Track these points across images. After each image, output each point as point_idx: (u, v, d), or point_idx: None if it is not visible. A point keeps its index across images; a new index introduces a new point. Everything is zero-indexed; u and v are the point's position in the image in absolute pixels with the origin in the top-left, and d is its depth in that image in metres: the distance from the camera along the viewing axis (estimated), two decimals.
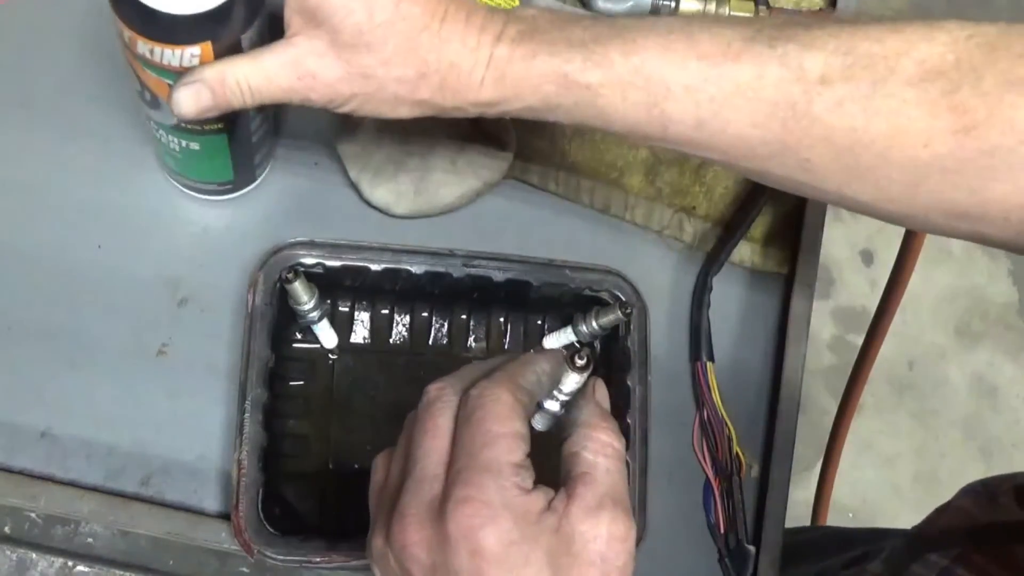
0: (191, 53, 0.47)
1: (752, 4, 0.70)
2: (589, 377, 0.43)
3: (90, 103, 0.64)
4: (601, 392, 0.44)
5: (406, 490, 0.40)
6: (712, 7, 0.70)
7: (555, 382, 0.43)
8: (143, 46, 0.47)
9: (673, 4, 0.70)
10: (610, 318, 0.61)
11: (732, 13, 0.70)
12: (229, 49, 0.48)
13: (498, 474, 0.38)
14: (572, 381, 0.42)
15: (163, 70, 0.48)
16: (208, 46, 0.47)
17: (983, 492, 0.63)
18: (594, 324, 0.61)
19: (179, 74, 0.48)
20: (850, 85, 0.44)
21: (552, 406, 0.43)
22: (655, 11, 0.70)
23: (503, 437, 0.39)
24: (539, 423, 0.44)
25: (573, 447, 0.41)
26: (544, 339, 0.64)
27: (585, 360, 0.41)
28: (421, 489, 0.39)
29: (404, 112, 0.50)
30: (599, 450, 0.40)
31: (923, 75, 0.44)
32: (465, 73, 0.48)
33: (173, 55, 0.47)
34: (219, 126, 0.54)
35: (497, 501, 0.37)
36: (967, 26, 0.44)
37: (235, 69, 0.48)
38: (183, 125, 0.53)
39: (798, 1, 0.76)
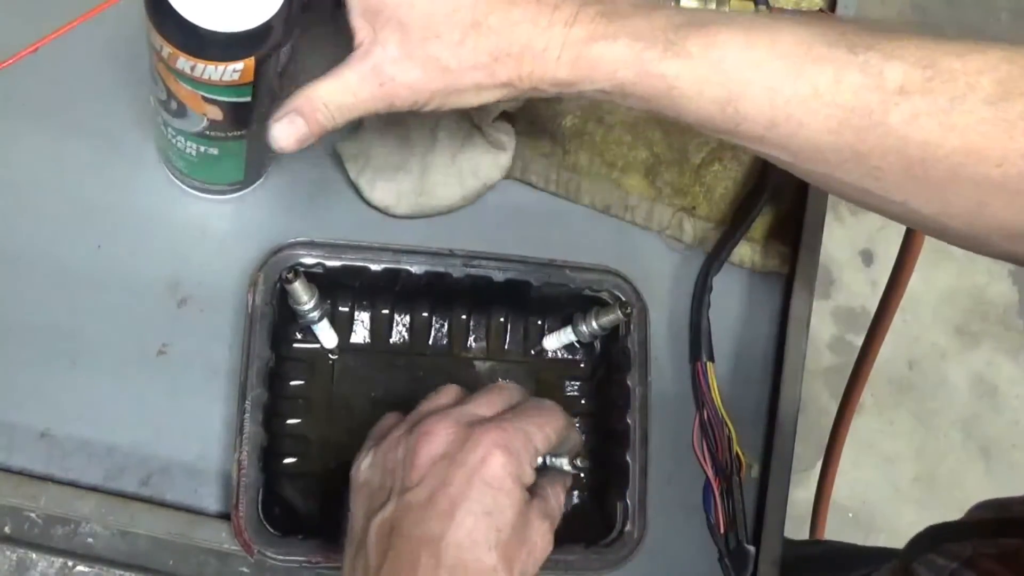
0: (233, 68, 0.48)
1: (752, 4, 0.70)
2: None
3: (90, 103, 0.64)
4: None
5: (452, 410, 0.48)
6: (712, 7, 0.70)
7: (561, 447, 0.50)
8: (184, 62, 0.47)
9: (672, 4, 0.70)
10: (610, 318, 0.61)
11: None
12: (269, 62, 0.49)
13: (529, 442, 0.46)
14: (563, 464, 0.50)
15: (201, 84, 0.49)
16: (251, 61, 0.48)
17: (995, 506, 0.63)
18: (594, 324, 0.61)
19: (217, 87, 0.49)
20: (928, 99, 0.44)
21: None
22: None
23: (547, 437, 0.48)
24: None
25: (543, 482, 0.49)
26: (544, 339, 0.64)
27: (579, 467, 0.50)
28: (465, 413, 0.47)
29: (488, 97, 0.50)
30: (557, 494, 0.50)
31: (1002, 95, 0.44)
32: (539, 53, 0.48)
33: (216, 70, 0.48)
34: (241, 132, 0.54)
35: (518, 448, 0.46)
36: None
37: (321, 92, 0.49)
38: (208, 132, 0.54)
39: (798, 1, 0.76)
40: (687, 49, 0.46)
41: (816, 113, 0.46)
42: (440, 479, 0.44)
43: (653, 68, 0.47)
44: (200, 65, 0.47)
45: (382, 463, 0.47)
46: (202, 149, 0.56)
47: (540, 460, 0.49)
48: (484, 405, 0.48)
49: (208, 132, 0.54)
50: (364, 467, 0.48)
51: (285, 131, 0.49)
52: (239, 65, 0.48)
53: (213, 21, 0.46)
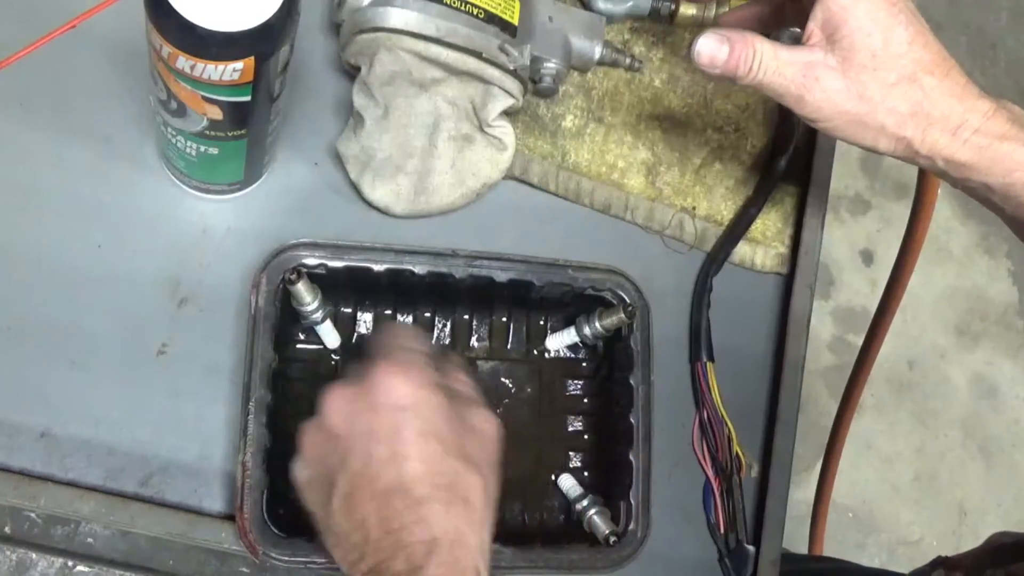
0: (233, 68, 0.48)
1: None
2: None
3: (90, 103, 0.63)
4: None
5: (345, 380, 0.48)
6: (712, 7, 0.70)
7: None
8: (184, 61, 0.47)
9: (673, 5, 0.70)
10: (613, 320, 0.61)
11: None
12: (269, 61, 0.49)
13: (412, 351, 0.48)
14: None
15: (201, 84, 0.49)
16: (251, 61, 0.48)
17: (1015, 535, 0.63)
18: (597, 325, 0.61)
19: (217, 87, 0.49)
20: None
21: None
22: (654, 12, 0.70)
23: (418, 340, 0.50)
24: None
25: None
26: (547, 339, 0.64)
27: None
28: (352, 372, 0.48)
29: (882, 145, 0.54)
30: (459, 379, 0.51)
31: None
32: (951, 128, 0.52)
33: (215, 70, 0.48)
34: (241, 132, 0.54)
35: (408, 360, 0.47)
36: None
37: (759, 43, 0.53)
38: (208, 132, 0.53)
39: None
40: None
41: None
42: (364, 434, 0.45)
43: None
44: (200, 65, 0.47)
45: (312, 457, 0.48)
46: (202, 149, 0.56)
47: None
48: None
49: (208, 132, 0.54)
50: (298, 469, 0.49)
51: (711, 45, 0.53)
52: (239, 65, 0.48)
53: (213, 21, 0.45)
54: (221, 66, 0.47)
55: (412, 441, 0.45)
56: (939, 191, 0.79)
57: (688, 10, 0.70)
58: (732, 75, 0.54)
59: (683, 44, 0.73)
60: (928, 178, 0.80)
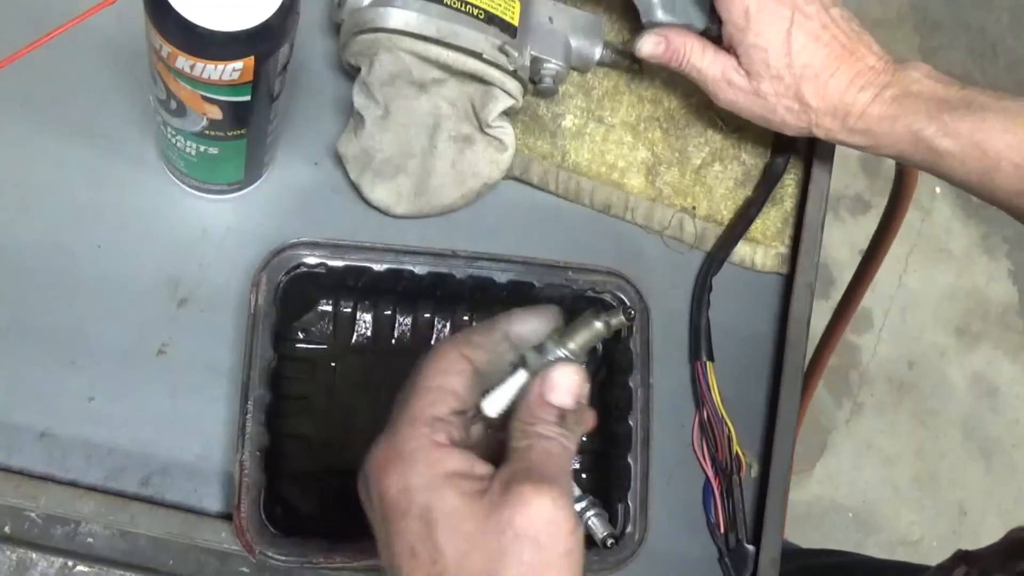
0: (233, 67, 0.48)
1: None
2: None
3: (90, 103, 0.64)
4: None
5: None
6: None
7: (535, 339, 0.42)
8: (184, 61, 0.47)
9: (717, 28, 0.70)
10: (613, 322, 0.61)
11: None
12: (269, 61, 0.49)
13: (412, 423, 0.39)
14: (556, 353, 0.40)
15: (201, 83, 0.49)
16: (251, 60, 0.48)
17: None
18: None
19: (217, 87, 0.49)
20: None
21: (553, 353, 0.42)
22: (706, 31, 0.70)
23: (429, 390, 0.40)
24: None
25: (516, 424, 0.40)
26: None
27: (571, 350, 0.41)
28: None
29: (788, 131, 0.65)
30: (536, 432, 0.39)
31: None
32: (839, 117, 0.62)
33: (215, 70, 0.48)
34: (241, 131, 0.54)
35: (405, 449, 0.37)
36: None
37: (690, 40, 0.64)
38: (207, 132, 0.54)
39: None
40: (958, 130, 0.58)
41: None
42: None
43: (929, 144, 0.59)
44: (200, 64, 0.47)
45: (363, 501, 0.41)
46: (202, 149, 0.56)
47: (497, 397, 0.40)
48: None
49: (208, 131, 0.54)
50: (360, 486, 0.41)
51: (651, 43, 0.64)
52: (239, 64, 0.48)
53: (212, 20, 0.46)
54: (221, 66, 0.47)
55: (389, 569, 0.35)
56: (938, 191, 0.79)
57: None
58: (667, 65, 0.65)
59: None
60: (908, 171, 0.81)
